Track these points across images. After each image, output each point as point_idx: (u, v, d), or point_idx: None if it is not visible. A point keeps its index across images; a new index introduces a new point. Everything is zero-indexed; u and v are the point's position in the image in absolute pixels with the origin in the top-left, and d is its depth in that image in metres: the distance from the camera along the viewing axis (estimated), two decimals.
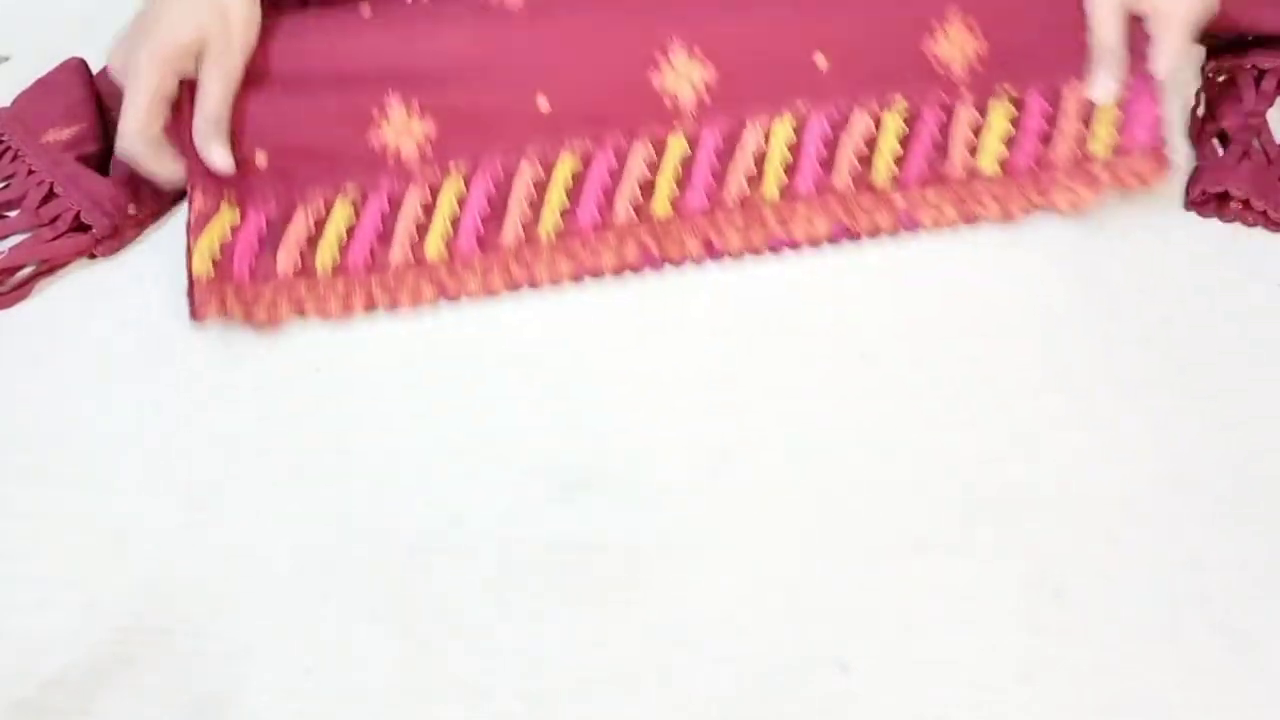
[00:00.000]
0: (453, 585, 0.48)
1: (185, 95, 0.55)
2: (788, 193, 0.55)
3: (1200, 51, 0.65)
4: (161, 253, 0.59)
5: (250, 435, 0.53)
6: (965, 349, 0.54)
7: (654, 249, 0.55)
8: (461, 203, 0.55)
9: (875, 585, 0.47)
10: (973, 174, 0.55)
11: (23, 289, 0.58)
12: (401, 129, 0.55)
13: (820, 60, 0.55)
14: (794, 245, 0.55)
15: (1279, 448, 0.50)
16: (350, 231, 0.55)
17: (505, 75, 0.55)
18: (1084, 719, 0.43)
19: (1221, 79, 0.63)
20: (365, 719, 0.45)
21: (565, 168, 0.55)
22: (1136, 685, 0.44)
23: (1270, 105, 0.61)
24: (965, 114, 0.56)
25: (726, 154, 0.56)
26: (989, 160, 0.55)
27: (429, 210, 0.56)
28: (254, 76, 0.55)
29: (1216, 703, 0.44)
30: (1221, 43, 0.64)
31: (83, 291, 0.59)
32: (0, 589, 0.48)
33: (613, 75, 0.55)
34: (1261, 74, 0.62)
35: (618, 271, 0.55)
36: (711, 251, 0.55)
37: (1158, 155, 0.55)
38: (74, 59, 0.66)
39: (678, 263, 0.55)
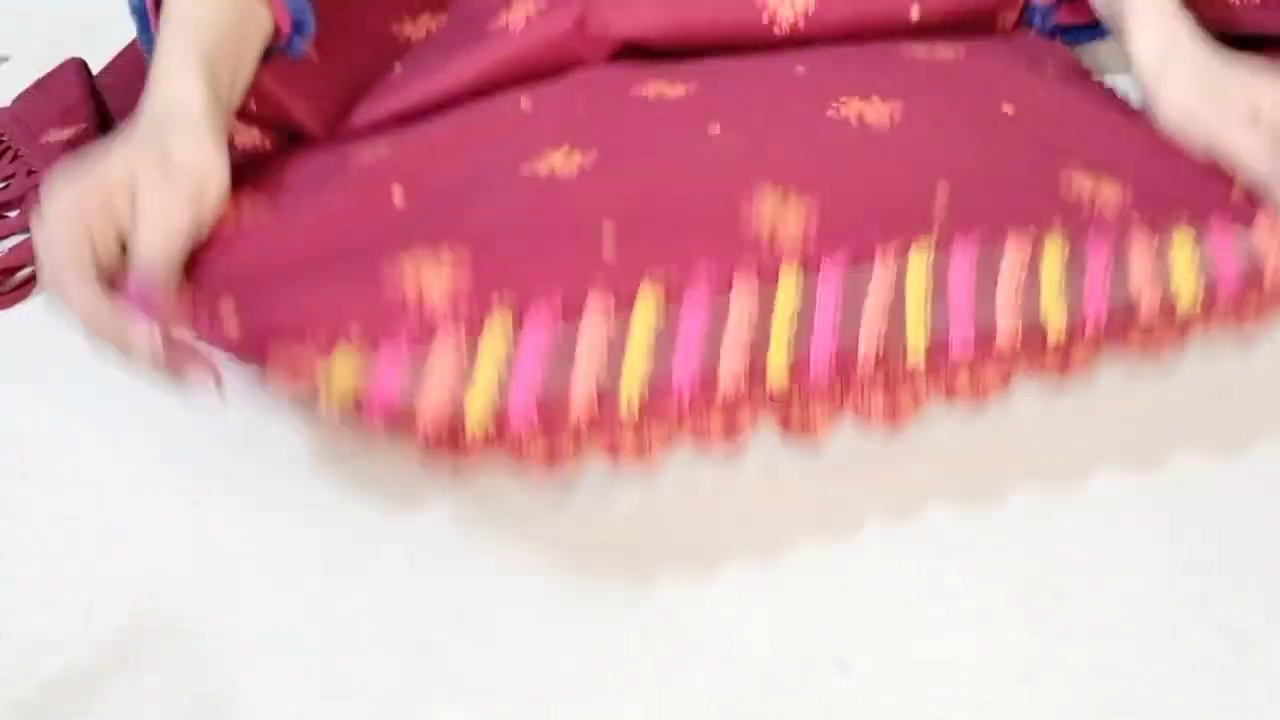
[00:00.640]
0: (452, 584, 0.48)
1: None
2: (936, 343, 0.43)
3: None
4: None
5: (251, 435, 0.53)
6: None
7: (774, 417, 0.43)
8: (510, 360, 0.41)
9: (875, 585, 0.47)
10: (1171, 312, 0.44)
11: (23, 289, 0.58)
12: (429, 273, 0.43)
13: (942, 189, 0.45)
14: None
15: (1279, 447, 0.50)
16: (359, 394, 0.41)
17: (557, 233, 0.45)
18: (1084, 719, 0.43)
19: None
20: (365, 719, 0.45)
21: (646, 309, 0.42)
22: (1136, 685, 0.44)
23: None
24: (1139, 245, 0.45)
25: (850, 302, 0.44)
26: (1188, 298, 0.44)
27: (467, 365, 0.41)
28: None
29: (1216, 703, 0.44)
30: (1222, 43, 0.64)
31: None
32: (0, 589, 0.48)
33: (693, 219, 0.45)
34: None
35: (730, 438, 0.43)
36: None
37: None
38: (74, 59, 0.66)
39: (808, 432, 0.44)
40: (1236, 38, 0.63)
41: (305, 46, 0.57)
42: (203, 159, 0.47)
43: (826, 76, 0.53)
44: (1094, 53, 0.67)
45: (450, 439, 0.39)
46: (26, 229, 0.59)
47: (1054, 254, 0.44)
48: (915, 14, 0.58)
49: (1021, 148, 0.49)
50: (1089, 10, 0.58)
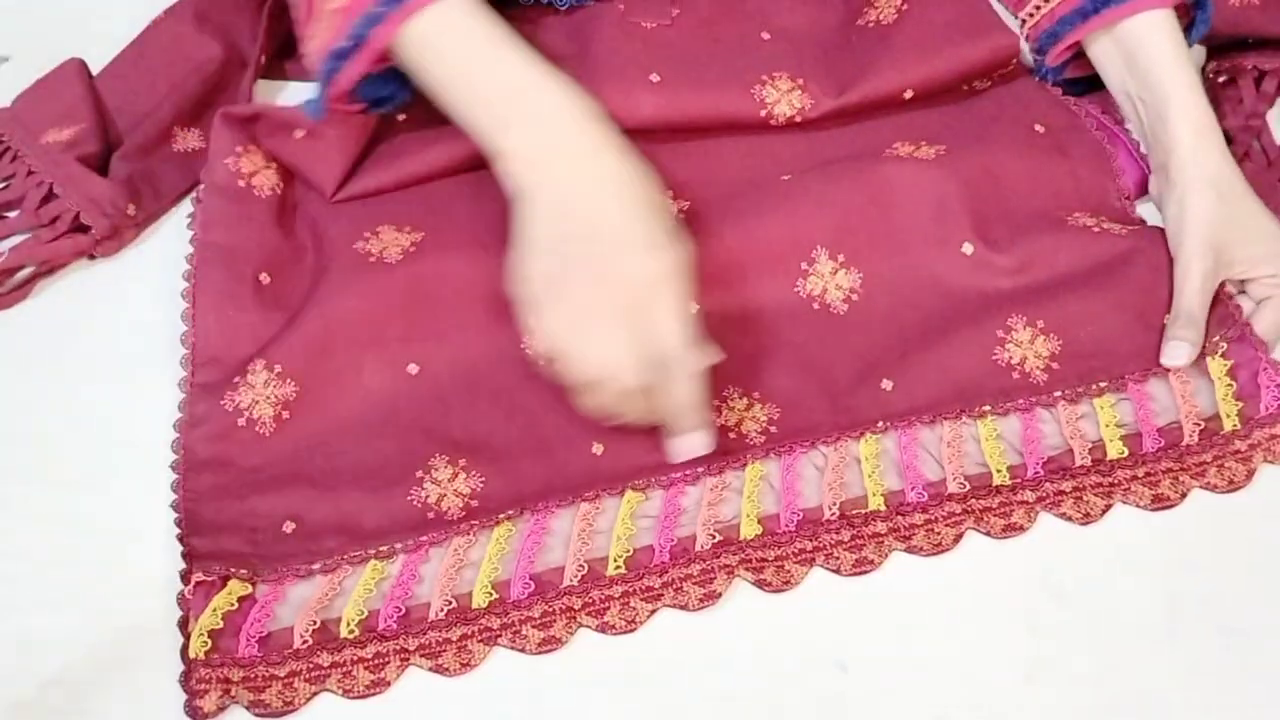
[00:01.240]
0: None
1: None
2: (893, 503, 0.49)
3: (1201, 52, 0.65)
4: (161, 253, 0.59)
5: None
6: None
7: (748, 576, 0.47)
8: (511, 542, 0.48)
9: (875, 585, 0.47)
10: (1101, 464, 0.49)
11: (23, 289, 0.58)
12: (446, 487, 0.49)
13: (886, 384, 0.52)
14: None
15: None
16: (380, 586, 0.47)
17: (556, 428, 0.51)
18: (1084, 719, 0.43)
19: (1222, 80, 0.63)
20: (364, 718, 0.45)
21: (630, 499, 0.49)
22: (1136, 685, 0.44)
23: (1270, 106, 0.61)
24: (1064, 412, 0.51)
25: (801, 478, 0.50)
26: (1115, 449, 0.49)
27: (472, 557, 0.48)
28: (286, 440, 0.51)
29: (1216, 703, 0.44)
30: (1222, 44, 0.64)
31: (83, 291, 0.59)
32: (0, 589, 0.48)
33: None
34: (1262, 75, 0.62)
35: (705, 603, 0.47)
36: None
37: None
38: (74, 59, 0.66)
39: (774, 588, 0.47)
40: (1237, 38, 0.63)
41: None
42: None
43: (801, 233, 0.55)
44: None
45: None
46: (27, 229, 0.59)
47: (986, 428, 0.51)
48: (908, 95, 0.60)
49: (964, 314, 0.53)
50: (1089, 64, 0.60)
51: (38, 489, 0.51)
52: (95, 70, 0.66)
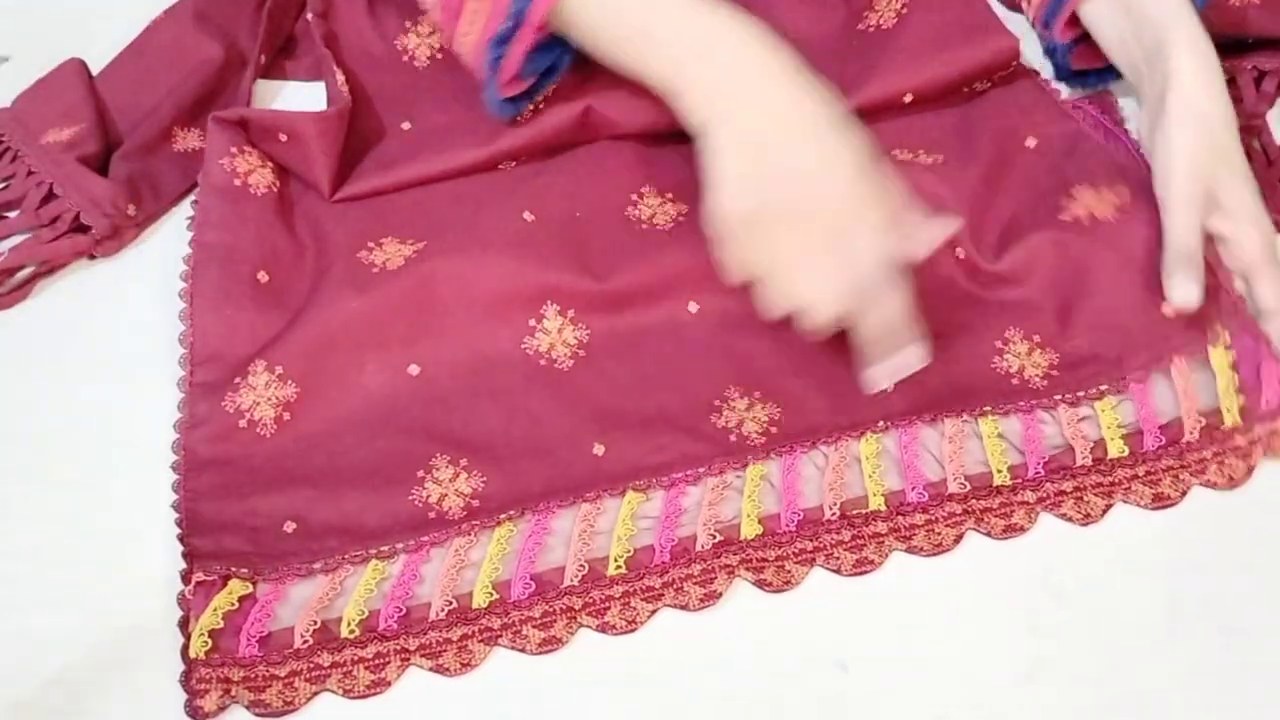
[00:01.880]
0: None
1: None
2: (893, 503, 0.49)
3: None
4: (161, 253, 0.59)
5: None
6: None
7: (748, 576, 0.47)
8: (512, 542, 0.48)
9: (875, 585, 0.47)
10: (1101, 463, 0.49)
11: (23, 289, 0.58)
12: (448, 487, 0.50)
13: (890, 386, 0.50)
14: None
15: None
16: (381, 586, 0.48)
17: (557, 429, 0.51)
18: (1084, 719, 0.43)
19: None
20: (364, 718, 0.45)
21: (631, 499, 0.49)
22: (1136, 685, 0.44)
23: (1270, 106, 0.61)
24: (1065, 414, 0.51)
25: (802, 478, 0.50)
26: (1116, 448, 0.49)
27: (473, 557, 0.48)
28: (287, 440, 0.51)
29: (1216, 702, 0.44)
30: (1222, 44, 0.64)
31: (83, 291, 0.59)
32: (0, 589, 0.48)
33: (672, 416, 0.51)
34: (1262, 75, 0.62)
35: (706, 603, 0.47)
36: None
37: None
38: (74, 59, 0.66)
39: (774, 588, 0.47)
40: (1237, 38, 0.63)
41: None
42: None
43: None
44: None
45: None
46: (27, 229, 0.59)
47: (988, 425, 0.51)
48: (908, 99, 0.60)
49: (962, 320, 0.53)
50: (1100, 55, 0.59)
51: (38, 489, 0.51)
52: (95, 70, 0.66)
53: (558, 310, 0.53)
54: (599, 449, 0.50)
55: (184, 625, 0.46)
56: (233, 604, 0.46)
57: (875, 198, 0.46)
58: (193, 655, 0.45)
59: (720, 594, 0.47)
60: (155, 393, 0.54)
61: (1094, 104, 0.61)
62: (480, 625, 0.46)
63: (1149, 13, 0.54)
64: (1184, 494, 0.48)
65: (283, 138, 0.58)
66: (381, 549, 0.48)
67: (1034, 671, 0.45)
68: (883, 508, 0.48)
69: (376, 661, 0.45)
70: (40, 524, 0.50)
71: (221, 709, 0.44)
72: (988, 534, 0.48)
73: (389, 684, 0.45)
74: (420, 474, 0.50)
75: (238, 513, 0.49)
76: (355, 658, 0.45)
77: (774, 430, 0.51)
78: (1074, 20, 0.59)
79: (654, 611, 0.46)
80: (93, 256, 0.60)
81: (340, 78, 0.62)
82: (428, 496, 0.49)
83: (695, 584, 0.47)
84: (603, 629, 0.46)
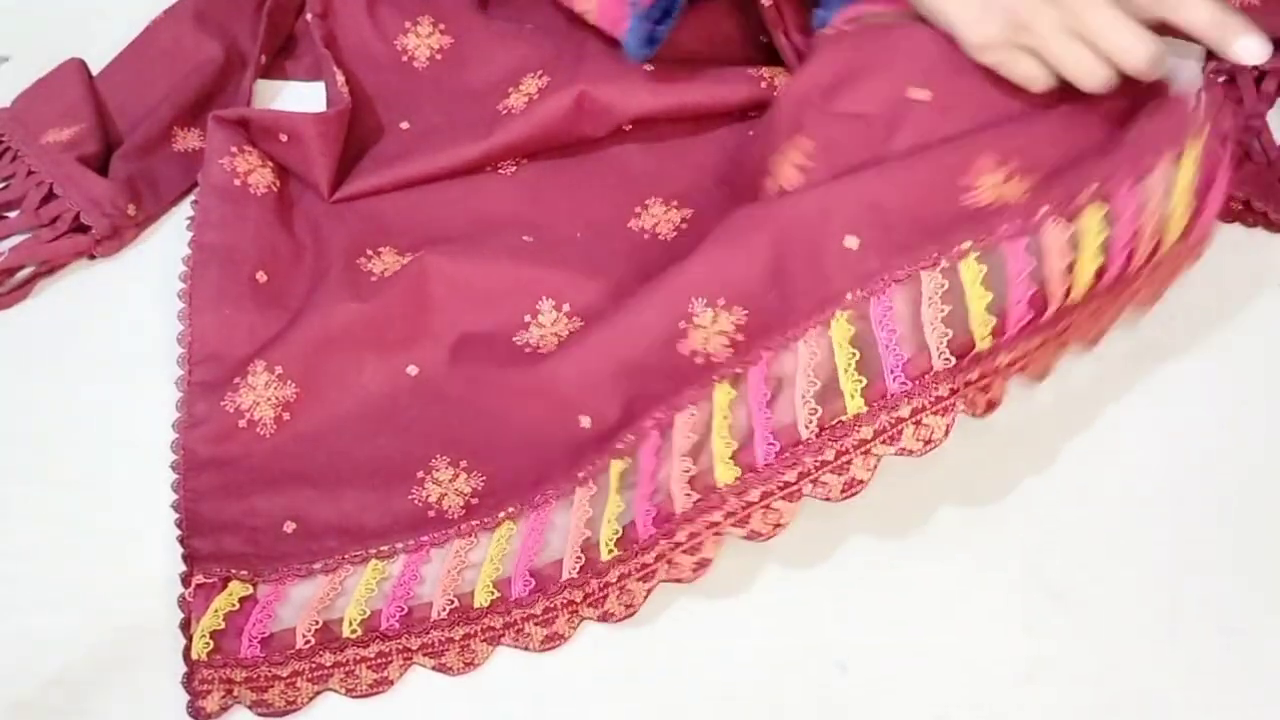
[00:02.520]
0: None
1: None
2: (873, 398, 0.42)
3: (1202, 51, 0.65)
4: (161, 253, 0.59)
5: None
6: None
7: (734, 529, 0.43)
8: (512, 540, 0.47)
9: (875, 585, 0.47)
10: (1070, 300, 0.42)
11: (23, 289, 0.58)
12: (447, 487, 0.49)
13: (851, 241, 0.44)
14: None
15: (1279, 447, 0.50)
16: (381, 586, 0.47)
17: (546, 409, 0.49)
18: (1084, 719, 0.43)
19: (1222, 79, 0.63)
20: (364, 718, 0.45)
21: (615, 473, 0.46)
22: (1136, 685, 0.44)
23: (1271, 107, 0.61)
24: (1054, 237, 0.42)
25: (781, 386, 0.44)
26: (1084, 281, 0.42)
27: (473, 558, 0.48)
28: (287, 440, 0.51)
29: (1216, 703, 0.44)
30: None
31: (83, 291, 0.59)
32: (0, 589, 0.48)
33: (646, 358, 0.48)
34: (1262, 75, 0.62)
35: (699, 571, 0.44)
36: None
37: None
38: (74, 59, 0.66)
39: (764, 536, 0.43)
40: None
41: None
42: None
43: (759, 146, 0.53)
44: None
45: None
46: (27, 229, 0.59)
47: (971, 274, 0.42)
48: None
49: (922, 166, 0.46)
50: None
51: (38, 489, 0.51)
52: (95, 70, 0.66)
53: (553, 305, 0.53)
54: (585, 421, 0.49)
55: (185, 627, 0.46)
56: (233, 605, 0.46)
57: None
58: (195, 657, 0.45)
59: (711, 559, 0.44)
60: (155, 393, 0.54)
61: None
62: (483, 625, 0.46)
63: None
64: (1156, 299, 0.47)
65: (283, 138, 0.58)
66: (381, 549, 0.48)
67: (1034, 671, 0.45)
68: (863, 408, 0.42)
69: (379, 661, 0.45)
70: (40, 524, 0.50)
71: (224, 709, 0.45)
72: (972, 414, 0.43)
73: (391, 683, 0.45)
74: (420, 475, 0.50)
75: (237, 513, 0.49)
76: (358, 657, 0.45)
77: (740, 339, 0.46)
78: None
79: (649, 591, 0.45)
80: (93, 256, 0.60)
81: (340, 78, 0.62)
82: (428, 496, 0.49)
83: (685, 553, 0.44)
84: (604, 618, 0.45)
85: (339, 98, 0.61)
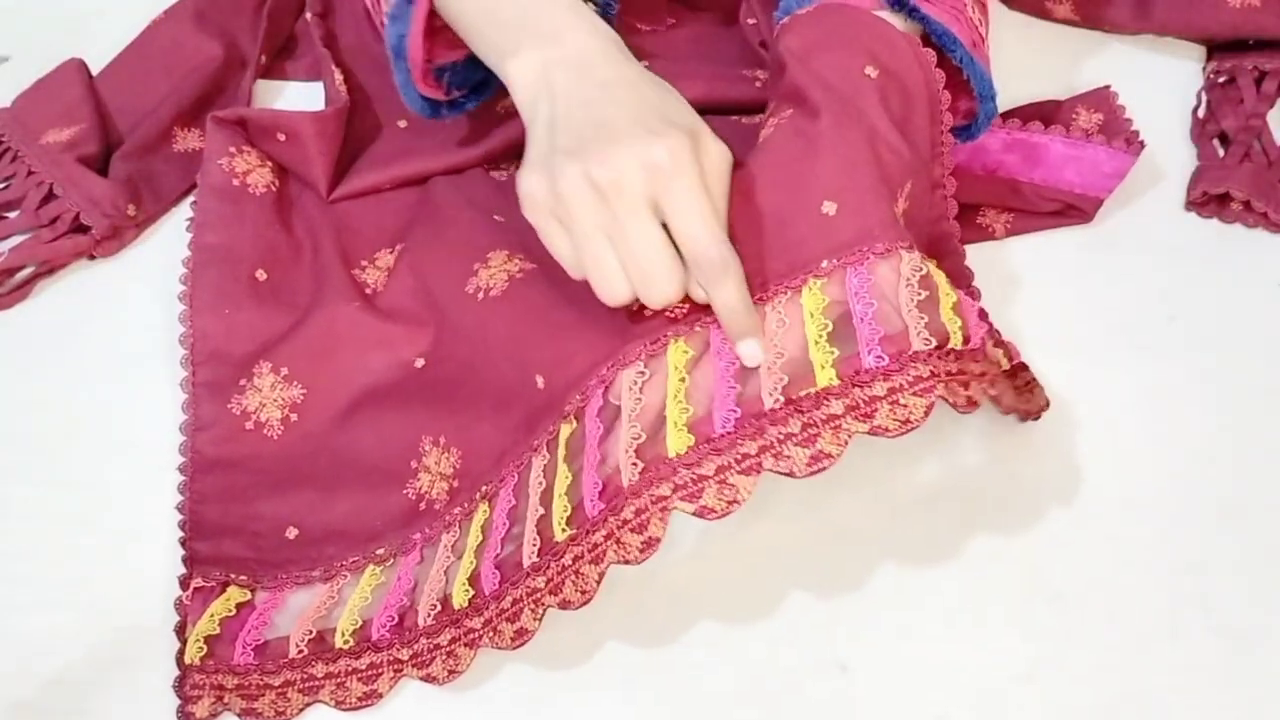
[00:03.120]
0: None
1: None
2: (846, 373, 0.39)
3: (1202, 52, 0.65)
4: (161, 253, 0.59)
5: None
6: None
7: (684, 505, 0.39)
8: (486, 529, 0.46)
9: (875, 585, 0.47)
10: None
11: (23, 289, 0.58)
12: (434, 472, 0.49)
13: (828, 208, 0.43)
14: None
15: (1279, 447, 0.50)
16: (376, 593, 0.47)
17: (513, 369, 0.47)
18: (1084, 719, 0.43)
19: (1222, 80, 0.63)
20: (363, 717, 0.45)
21: (563, 436, 0.43)
22: (1136, 686, 0.44)
23: (1271, 107, 0.61)
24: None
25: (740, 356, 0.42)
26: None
27: (457, 551, 0.46)
28: (293, 441, 0.51)
29: (1216, 702, 0.44)
30: (1222, 44, 0.64)
31: (83, 291, 0.59)
32: (0, 589, 0.48)
33: (592, 318, 0.45)
34: (1262, 75, 0.62)
35: (646, 552, 0.40)
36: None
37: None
38: (74, 59, 0.66)
39: (717, 514, 0.39)
40: (1237, 39, 0.63)
41: None
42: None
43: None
44: None
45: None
46: (27, 229, 0.59)
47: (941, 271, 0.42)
48: None
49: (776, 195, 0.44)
50: None
51: (37, 489, 0.51)
52: (95, 70, 0.66)
53: (507, 255, 0.51)
54: (539, 380, 0.46)
55: (180, 631, 0.46)
56: (229, 610, 0.47)
57: (683, 174, 0.41)
58: (187, 661, 0.45)
59: (659, 539, 0.39)
60: (155, 393, 0.54)
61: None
62: (464, 627, 0.44)
63: None
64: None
65: (281, 137, 0.58)
66: (377, 553, 0.48)
67: (1034, 671, 0.45)
68: (835, 381, 0.39)
69: (370, 673, 0.45)
70: (40, 524, 0.50)
71: (213, 716, 0.45)
72: (953, 405, 0.40)
73: (381, 696, 0.45)
74: (414, 465, 0.50)
75: (241, 517, 0.49)
76: (349, 669, 0.45)
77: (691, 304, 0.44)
78: None
79: (602, 574, 0.40)
80: (93, 256, 0.60)
81: (339, 77, 0.62)
82: (420, 487, 0.49)
83: (632, 531, 0.40)
84: (563, 606, 0.41)
85: (337, 96, 0.61)
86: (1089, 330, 0.54)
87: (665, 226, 0.41)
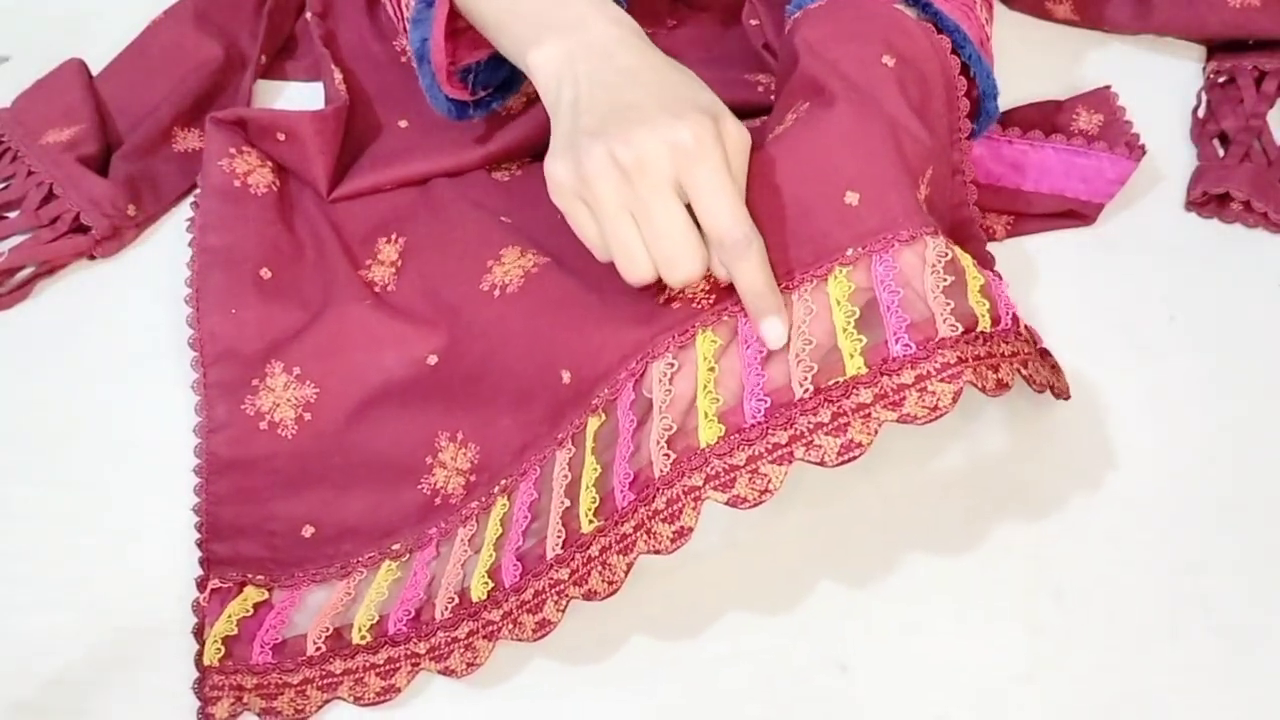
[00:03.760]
0: None
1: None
2: (874, 361, 0.40)
3: (1202, 52, 0.65)
4: (161, 253, 0.59)
5: None
6: None
7: (725, 493, 0.40)
8: (505, 522, 0.46)
9: (875, 585, 0.47)
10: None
11: (23, 289, 0.58)
12: (450, 468, 0.49)
13: (852, 197, 0.43)
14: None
15: (1279, 447, 0.50)
16: (393, 589, 0.47)
17: (535, 366, 0.48)
18: (1084, 719, 0.43)
19: (1222, 80, 0.63)
20: (363, 716, 0.45)
21: (591, 429, 0.44)
22: (1136, 685, 0.44)
23: (1271, 107, 0.61)
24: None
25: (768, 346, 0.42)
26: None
27: (474, 545, 0.47)
28: (308, 440, 0.51)
29: (1216, 702, 0.44)
30: (1222, 44, 0.64)
31: (83, 291, 0.59)
32: (0, 589, 0.48)
33: (618, 311, 0.46)
34: (1262, 75, 0.62)
35: (678, 541, 0.40)
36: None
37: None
38: (74, 59, 0.66)
39: (749, 503, 0.40)
40: (1237, 39, 0.63)
41: None
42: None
43: None
44: None
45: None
46: (27, 229, 0.59)
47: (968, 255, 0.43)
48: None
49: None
50: None
51: (38, 489, 0.51)
52: (95, 70, 0.66)
53: (520, 251, 0.52)
54: (566, 376, 0.47)
55: (198, 632, 0.46)
56: (247, 611, 0.47)
57: (707, 156, 0.41)
58: (206, 663, 0.45)
59: (691, 528, 0.40)
60: (155, 393, 0.54)
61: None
62: (483, 620, 0.45)
63: None
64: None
65: (280, 137, 0.58)
66: (393, 548, 0.48)
67: (1034, 671, 0.45)
68: (864, 369, 0.40)
69: (387, 667, 0.45)
70: (41, 524, 0.50)
71: (233, 716, 0.45)
72: (981, 388, 0.40)
73: (399, 690, 0.45)
74: (429, 460, 0.50)
75: (257, 517, 0.49)
76: (367, 664, 0.45)
77: (717, 293, 0.45)
78: None
79: (630, 565, 0.41)
80: (93, 257, 0.60)
81: (338, 77, 0.62)
82: (435, 483, 0.49)
83: (663, 521, 0.40)
84: (589, 597, 0.41)
85: (337, 96, 0.61)
86: (1089, 330, 0.54)
87: (688, 207, 0.41)
